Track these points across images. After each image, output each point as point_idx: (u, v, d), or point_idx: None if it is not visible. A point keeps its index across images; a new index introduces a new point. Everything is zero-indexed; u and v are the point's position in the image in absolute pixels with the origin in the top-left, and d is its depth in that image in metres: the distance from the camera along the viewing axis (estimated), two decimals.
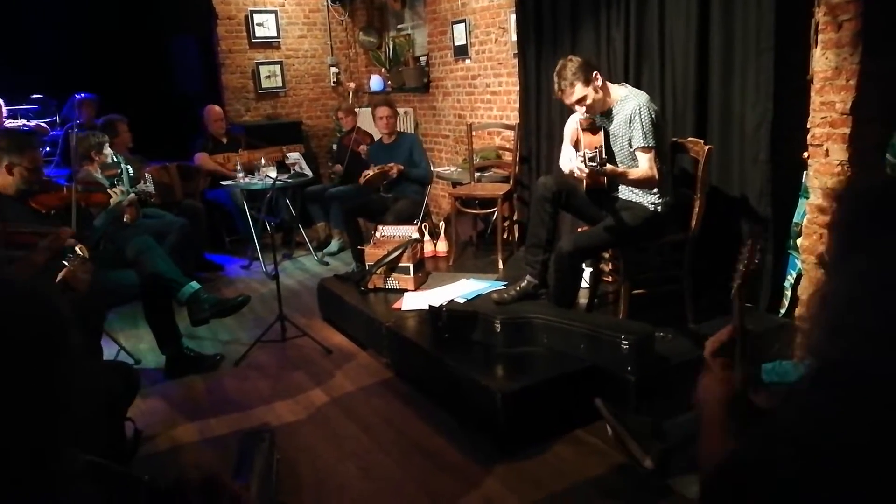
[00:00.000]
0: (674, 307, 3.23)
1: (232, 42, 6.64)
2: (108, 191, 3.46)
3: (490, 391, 2.65)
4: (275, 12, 6.74)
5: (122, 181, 4.68)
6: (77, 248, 2.49)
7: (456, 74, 5.92)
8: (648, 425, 2.21)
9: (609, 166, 2.94)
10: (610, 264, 3.44)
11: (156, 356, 3.63)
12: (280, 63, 6.86)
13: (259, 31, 6.70)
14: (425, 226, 4.67)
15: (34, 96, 6.93)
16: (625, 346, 2.71)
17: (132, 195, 4.32)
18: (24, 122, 6.23)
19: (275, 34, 6.79)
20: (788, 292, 3.14)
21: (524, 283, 3.33)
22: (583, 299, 3.51)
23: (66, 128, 6.16)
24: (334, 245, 5.66)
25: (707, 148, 3.11)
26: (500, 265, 4.31)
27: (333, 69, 7.13)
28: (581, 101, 3.02)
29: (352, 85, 7.14)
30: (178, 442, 2.91)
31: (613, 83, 3.23)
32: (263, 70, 6.78)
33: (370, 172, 4.79)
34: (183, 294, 3.34)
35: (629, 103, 3.02)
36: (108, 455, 2.13)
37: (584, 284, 3.53)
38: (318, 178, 6.85)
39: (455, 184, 5.31)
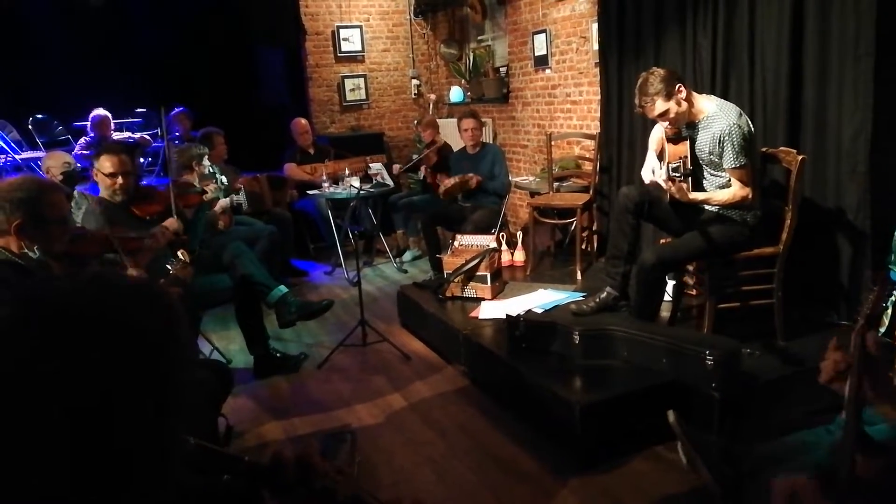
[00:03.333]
0: (762, 323, 3.11)
1: (319, 56, 6.91)
2: (203, 189, 3.66)
3: (568, 402, 2.64)
4: (360, 27, 6.97)
5: (218, 192, 4.96)
6: (179, 253, 2.67)
7: (536, 84, 5.93)
8: (718, 448, 2.14)
9: (695, 194, 2.87)
10: (694, 277, 3.35)
11: (245, 357, 3.81)
12: (364, 76, 7.08)
13: (345, 46, 6.95)
14: (503, 235, 4.69)
15: (139, 110, 7.45)
16: (709, 362, 2.63)
17: (224, 199, 4.58)
18: (130, 134, 6.70)
19: (359, 48, 7.02)
20: (889, 311, 2.96)
21: (604, 295, 3.29)
22: (665, 313, 3.44)
23: (166, 140, 6.58)
24: (409, 254, 5.78)
25: (800, 158, 2.99)
26: (579, 276, 4.28)
27: (415, 81, 7.29)
28: (663, 115, 2.96)
29: (432, 96, 7.27)
30: (264, 439, 3.05)
31: (700, 93, 3.16)
32: (348, 83, 7.02)
33: (449, 182, 4.87)
34: (272, 297, 3.51)
35: (718, 122, 2.91)
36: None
37: (667, 297, 3.46)
38: (399, 185, 7.03)
39: (533, 193, 5.31)
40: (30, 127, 6.67)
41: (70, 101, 6.67)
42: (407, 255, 5.83)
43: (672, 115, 2.95)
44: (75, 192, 4.11)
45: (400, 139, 7.32)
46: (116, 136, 6.47)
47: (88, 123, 6.34)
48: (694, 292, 3.50)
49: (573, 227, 4.70)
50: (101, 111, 6.31)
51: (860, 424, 1.19)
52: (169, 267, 2.59)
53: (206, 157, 4.78)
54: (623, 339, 2.93)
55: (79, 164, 4.53)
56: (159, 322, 0.71)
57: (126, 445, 0.67)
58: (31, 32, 6.63)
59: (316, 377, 3.66)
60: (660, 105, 2.93)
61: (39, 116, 6.83)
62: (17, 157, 6.19)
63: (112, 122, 6.48)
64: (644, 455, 2.66)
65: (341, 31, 6.90)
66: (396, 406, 3.28)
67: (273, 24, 6.86)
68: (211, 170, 4.94)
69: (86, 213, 3.43)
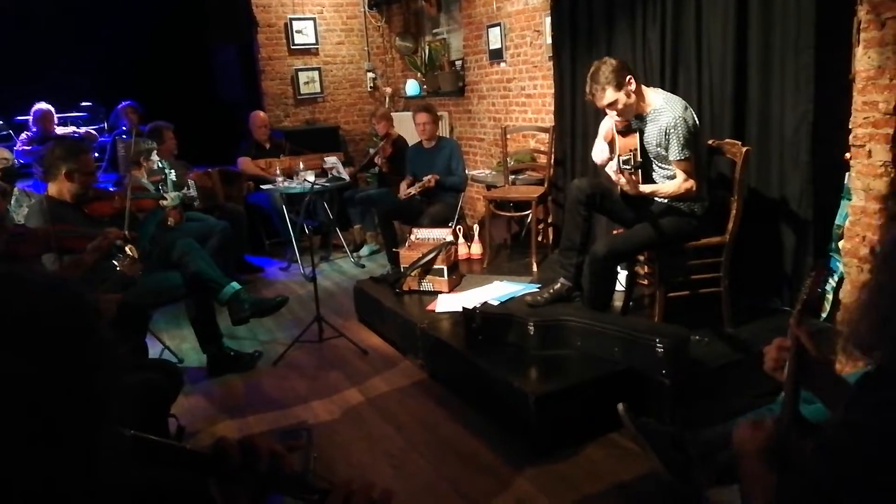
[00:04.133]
0: (710, 311, 3.19)
1: (272, 49, 6.79)
2: (163, 195, 3.57)
3: (523, 393, 2.67)
4: (313, 19, 6.87)
5: (167, 186, 4.84)
6: (127, 249, 2.59)
7: (491, 78, 5.95)
8: (668, 436, 2.19)
9: (643, 187, 2.93)
10: (645, 267, 3.42)
11: (198, 355, 3.74)
12: (318, 69, 6.99)
13: (298, 38, 6.85)
14: (460, 228, 4.70)
15: (84, 103, 7.21)
16: (659, 350, 2.69)
17: (174, 194, 4.48)
18: (74, 128, 6.47)
19: (313, 41, 6.93)
20: (830, 296, 3.07)
21: (558, 286, 3.33)
22: (617, 302, 3.50)
23: (113, 135, 6.39)
24: (367, 248, 5.75)
25: (745, 149, 3.07)
26: (535, 268, 4.32)
27: (370, 74, 7.23)
28: (612, 105, 3.00)
29: (388, 90, 7.23)
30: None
31: (649, 86, 3.21)
32: (302, 76, 6.92)
33: (411, 191, 4.89)
34: (224, 294, 3.44)
35: (665, 115, 2.97)
36: None
37: (619, 287, 3.52)
38: (355, 181, 6.97)
39: (490, 187, 5.33)
40: None
41: (11, 94, 6.40)
42: (364, 250, 5.80)
43: (620, 106, 2.99)
44: (16, 190, 3.97)
45: (356, 133, 7.26)
46: (60, 130, 6.24)
47: (31, 118, 6.10)
48: (646, 282, 3.57)
49: (529, 220, 4.74)
50: (43, 105, 6.07)
51: (796, 405, 1.23)
52: (116, 263, 2.52)
53: (155, 151, 4.65)
54: (577, 329, 2.97)
55: (18, 161, 4.35)
56: (74, 319, 0.68)
57: (49, 447, 0.64)
58: None
59: (271, 374, 3.61)
60: (609, 94, 2.96)
61: None
62: None
63: (55, 116, 6.25)
64: (599, 442, 2.71)
65: (294, 23, 6.79)
66: (353, 401, 3.26)
67: (226, 18, 6.71)
68: (160, 164, 4.81)
69: (30, 212, 3.32)
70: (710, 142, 3.32)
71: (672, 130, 2.91)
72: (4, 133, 6.58)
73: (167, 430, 2.53)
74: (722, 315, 3.17)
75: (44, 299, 0.68)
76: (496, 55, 5.77)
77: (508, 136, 5.03)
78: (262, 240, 6.05)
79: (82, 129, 6.49)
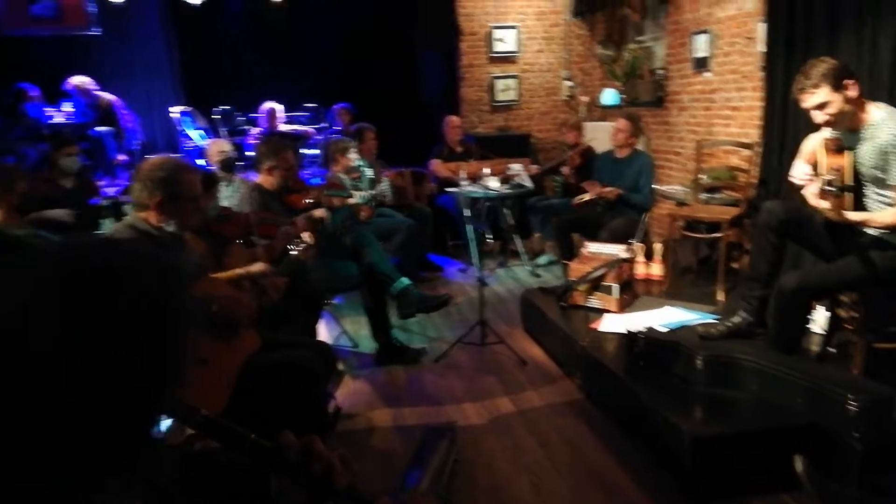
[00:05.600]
0: None
1: (473, 57, 7.00)
2: (349, 198, 3.85)
3: (679, 430, 2.45)
4: (515, 28, 6.96)
5: (363, 182, 5.21)
6: (305, 236, 2.83)
7: (694, 88, 5.56)
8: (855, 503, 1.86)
9: (851, 214, 2.51)
10: (849, 310, 2.95)
11: (371, 343, 3.96)
12: (516, 77, 7.07)
13: (498, 46, 6.98)
14: (641, 246, 4.45)
15: (308, 104, 8.05)
16: (853, 407, 2.31)
17: (368, 191, 4.80)
18: (296, 126, 7.23)
19: (514, 49, 7.02)
20: None
21: (737, 320, 3.00)
22: (814, 347, 3.06)
23: (326, 134, 7.05)
24: (544, 258, 5.67)
25: None
26: (720, 297, 3.95)
27: (567, 83, 7.15)
28: (822, 106, 2.54)
29: (584, 99, 7.09)
30: (373, 424, 3.14)
31: (873, 101, 2.76)
32: (499, 84, 7.05)
33: (585, 197, 4.73)
34: (394, 288, 3.62)
35: (884, 132, 2.50)
36: (310, 424, 2.38)
37: (819, 330, 3.08)
38: (542, 190, 6.94)
39: (681, 204, 4.99)
40: (214, 117, 7.41)
41: (250, 94, 7.35)
42: (542, 259, 5.75)
43: (832, 111, 2.53)
44: (236, 178, 4.52)
45: (548, 141, 7.22)
46: (284, 127, 7.02)
47: (261, 115, 6.95)
48: (849, 327, 3.09)
49: (720, 243, 4.35)
50: (271, 104, 6.87)
51: None
52: (292, 247, 2.76)
53: (354, 149, 5.02)
54: (753, 370, 2.66)
55: (234, 153, 4.93)
56: (158, 286, 0.76)
57: (117, 388, 0.72)
58: (220, 30, 7.39)
59: (432, 371, 3.71)
60: (821, 94, 2.51)
61: (224, 108, 7.57)
62: (202, 144, 6.92)
63: (281, 114, 7.04)
64: (766, 501, 2.40)
65: (495, 31, 6.93)
66: (504, 410, 3.24)
67: (434, 26, 7.06)
68: (358, 162, 5.19)
69: (242, 198, 3.76)
70: None
71: (893, 150, 2.46)
72: (242, 128, 7.57)
73: (324, 407, 2.70)
74: None
75: (136, 264, 0.77)
76: (700, 64, 5.38)
77: (707, 151, 4.66)
78: (446, 240, 6.25)
79: (302, 128, 7.23)
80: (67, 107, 6.79)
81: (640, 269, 4.38)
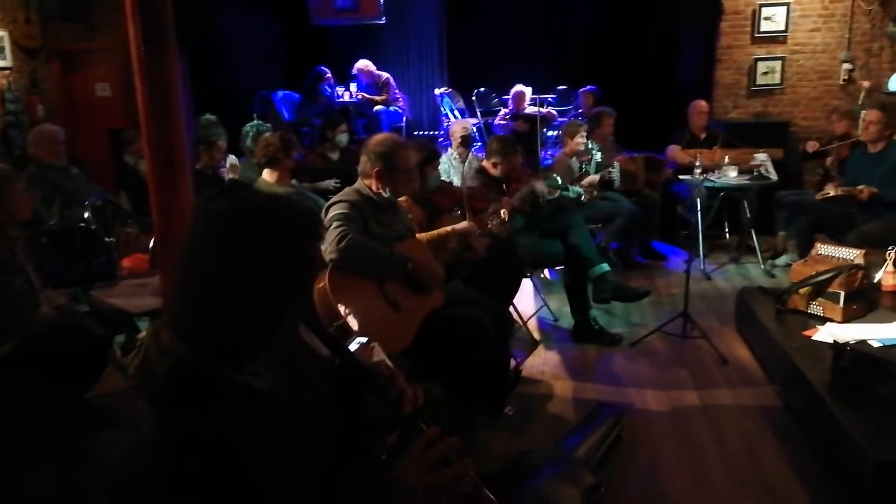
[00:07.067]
0: None
1: (733, 37, 6.55)
2: (534, 183, 4.04)
3: (861, 451, 2.24)
4: (787, 5, 6.33)
5: (591, 166, 5.33)
6: (501, 212, 3.12)
7: None
8: None
9: None
10: None
11: (571, 320, 4.13)
12: (782, 59, 6.45)
13: (765, 26, 6.43)
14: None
15: (559, 87, 8.28)
16: None
17: (594, 176, 4.92)
18: (539, 108, 7.51)
19: (782, 28, 6.40)
20: None
21: None
22: None
23: (568, 116, 7.22)
24: (785, 258, 5.20)
25: None
26: None
27: (846, 65, 6.32)
28: None
29: (865, 84, 6.20)
30: (553, 392, 3.35)
31: None
32: (761, 66, 6.50)
33: (829, 192, 4.26)
34: (593, 272, 3.74)
35: None
36: (486, 377, 2.70)
37: None
38: (800, 183, 6.30)
39: None
40: (473, 98, 8.03)
41: (506, 76, 7.82)
42: (782, 259, 5.28)
43: None
44: (471, 154, 4.99)
45: (813, 129, 6.47)
46: (529, 109, 7.35)
47: (509, 97, 7.37)
48: None
49: None
50: (519, 87, 7.25)
51: None
52: (488, 221, 3.07)
53: (583, 133, 5.15)
54: None
55: (494, 132, 5.36)
56: (297, 229, 1.11)
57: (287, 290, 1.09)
58: (486, 13, 7.94)
59: (624, 354, 3.77)
60: None
61: (482, 89, 8.16)
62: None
63: (529, 97, 7.38)
64: None
65: (763, 9, 6.38)
66: (687, 403, 3.20)
67: (692, 4, 6.74)
68: (588, 146, 5.31)
69: (465, 173, 4.19)
70: None
71: None
72: (496, 109, 8.09)
73: (504, 366, 2.98)
74: None
75: (287, 212, 1.13)
76: None
77: None
78: (677, 229, 6.06)
79: (545, 110, 7.49)
80: (353, 87, 7.97)
81: (890, 281, 3.85)
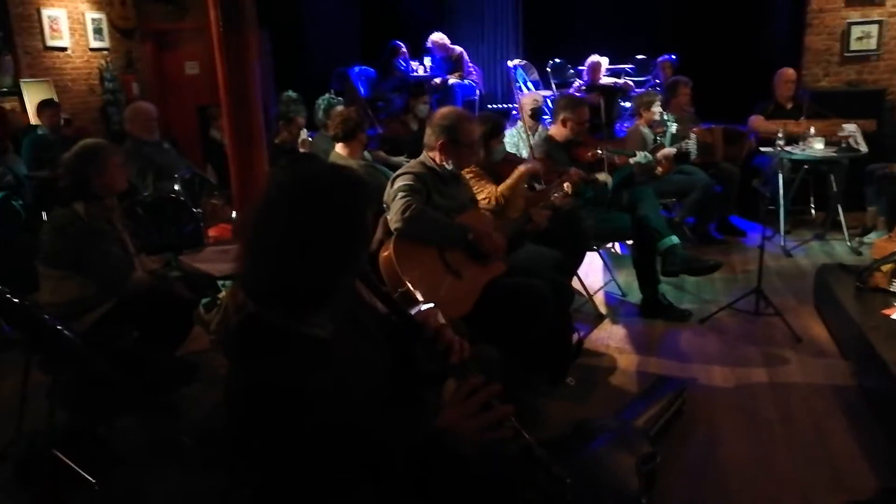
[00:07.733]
0: None
1: (825, 0, 6.17)
2: (634, 153, 4.01)
3: None
4: None
5: (665, 138, 5.19)
6: (564, 186, 3.13)
7: None
8: None
9: None
10: None
11: (639, 295, 4.09)
12: (879, 22, 6.02)
13: None
14: None
15: (638, 56, 8.05)
16: None
17: (670, 149, 4.82)
18: (615, 79, 7.35)
19: None
20: None
21: None
22: None
23: (646, 87, 7.02)
24: (874, 235, 4.93)
25: None
26: None
27: None
28: None
29: None
30: (616, 365, 3.36)
31: None
32: (855, 31, 6.09)
33: None
34: (662, 244, 3.69)
35: None
36: (551, 348, 2.77)
37: None
38: (894, 156, 5.90)
39: None
40: (548, 70, 7.94)
41: (582, 47, 7.68)
42: (871, 236, 5.00)
43: None
44: (540, 127, 4.97)
45: None
46: (605, 80, 7.20)
47: (584, 68, 7.23)
48: None
49: None
50: (595, 57, 7.11)
51: None
52: (553, 195, 3.09)
53: (658, 103, 5.02)
54: None
55: (543, 105, 5.32)
56: (353, 197, 1.21)
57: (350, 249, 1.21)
58: None
59: (692, 330, 3.72)
60: None
61: (557, 61, 8.05)
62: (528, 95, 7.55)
63: (605, 67, 7.23)
64: None
65: None
66: (755, 380, 3.15)
67: None
68: (663, 116, 5.17)
69: (536, 144, 4.20)
70: None
71: None
72: (571, 81, 7.97)
73: (565, 337, 3.02)
74: None
75: (342, 181, 1.24)
76: None
77: None
78: (758, 204, 5.82)
79: (621, 80, 7.32)
80: (427, 61, 8.03)
81: None
